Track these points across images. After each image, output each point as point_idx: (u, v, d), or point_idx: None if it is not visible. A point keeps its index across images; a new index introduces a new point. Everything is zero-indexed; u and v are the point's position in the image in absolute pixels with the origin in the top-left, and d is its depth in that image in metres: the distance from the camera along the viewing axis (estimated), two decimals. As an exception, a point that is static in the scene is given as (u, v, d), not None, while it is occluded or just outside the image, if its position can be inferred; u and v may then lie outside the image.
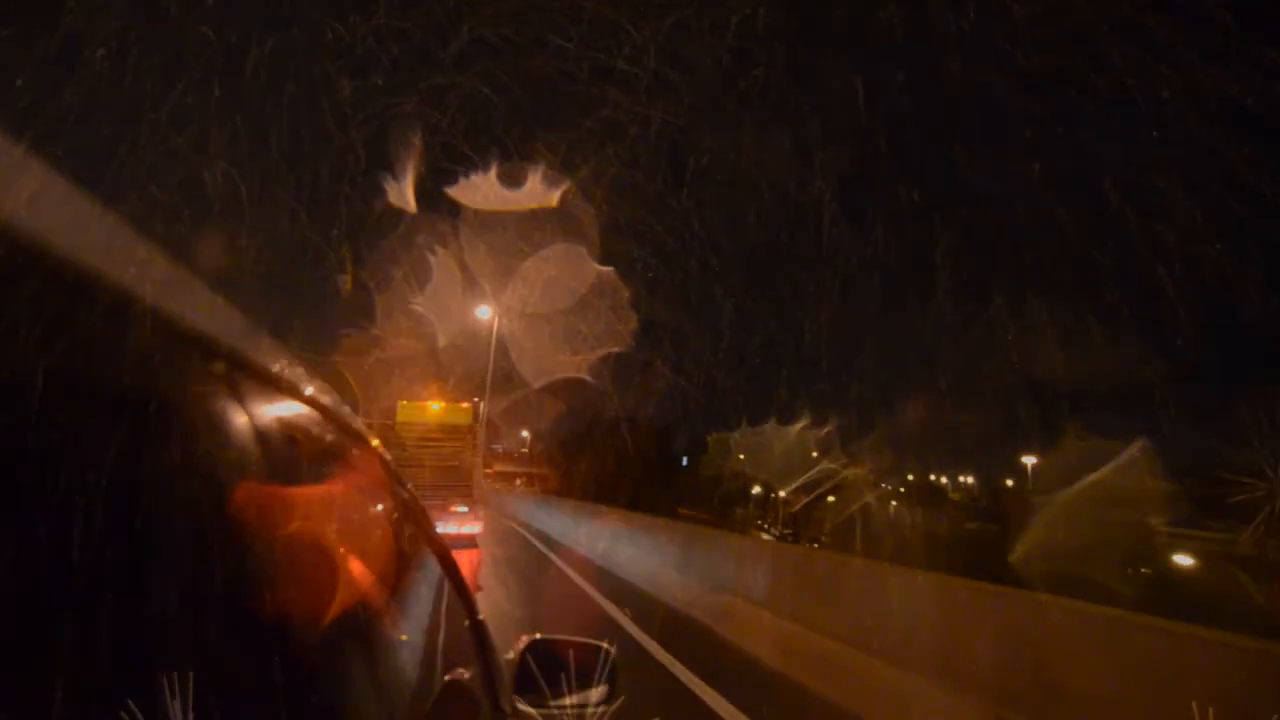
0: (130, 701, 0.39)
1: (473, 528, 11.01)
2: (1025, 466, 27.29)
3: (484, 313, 17.04)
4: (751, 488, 27.43)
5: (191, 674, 0.45)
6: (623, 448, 25.56)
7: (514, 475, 29.47)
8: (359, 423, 1.02)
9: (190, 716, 0.42)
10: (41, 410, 0.39)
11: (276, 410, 0.72)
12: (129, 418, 0.45)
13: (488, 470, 23.00)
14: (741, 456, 26.85)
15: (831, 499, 24.70)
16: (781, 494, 26.10)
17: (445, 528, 10.23)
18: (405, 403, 11.95)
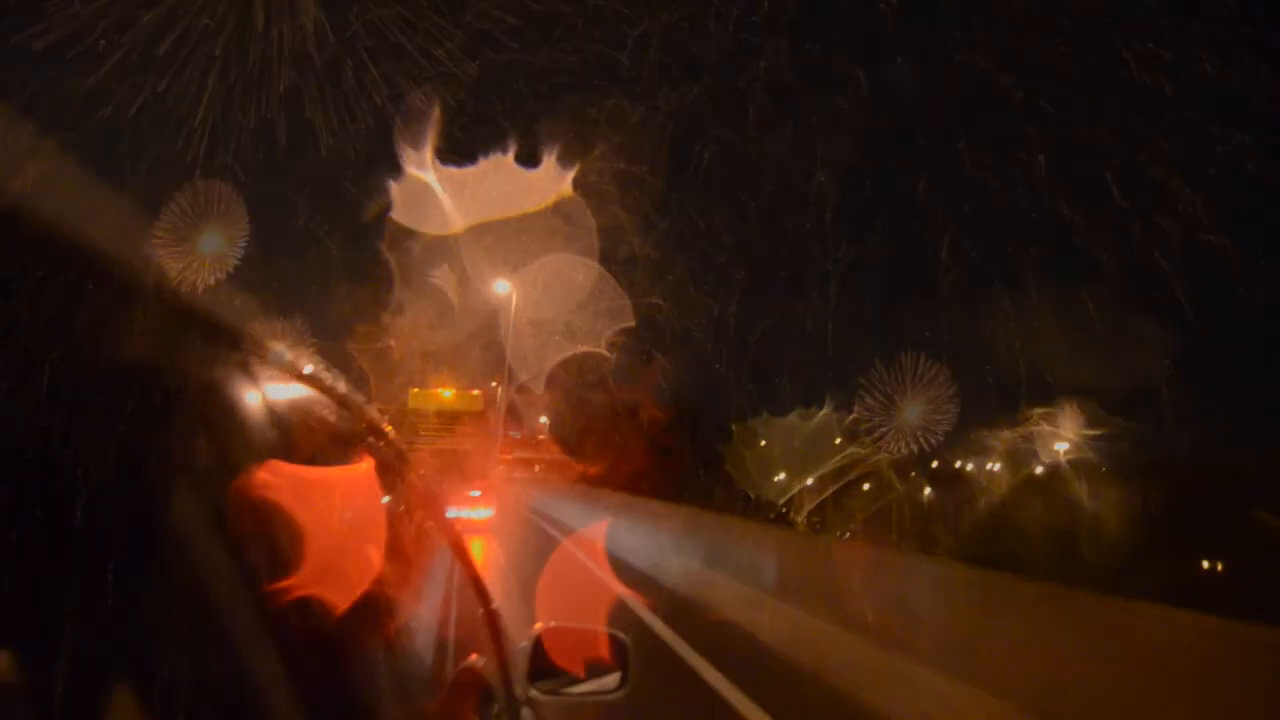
0: (145, 688, 0.39)
1: (485, 511, 11.13)
2: (1058, 454, 26.60)
3: (502, 287, 16.94)
4: (775, 476, 27.21)
5: (208, 659, 0.45)
6: (644, 436, 25.56)
7: (532, 461, 29.48)
8: (371, 409, 1.02)
9: (207, 703, 0.42)
10: (55, 394, 0.38)
11: (290, 396, 0.73)
12: (144, 402, 0.45)
13: (505, 456, 23.15)
14: (764, 444, 26.70)
15: (866, 486, 24.42)
16: (809, 481, 25.86)
17: (458, 511, 10.34)
18: (417, 390, 12.12)
